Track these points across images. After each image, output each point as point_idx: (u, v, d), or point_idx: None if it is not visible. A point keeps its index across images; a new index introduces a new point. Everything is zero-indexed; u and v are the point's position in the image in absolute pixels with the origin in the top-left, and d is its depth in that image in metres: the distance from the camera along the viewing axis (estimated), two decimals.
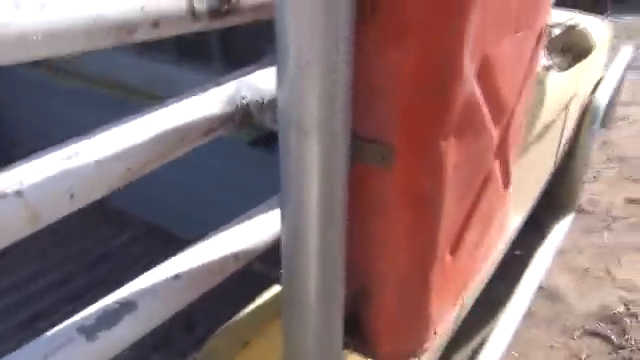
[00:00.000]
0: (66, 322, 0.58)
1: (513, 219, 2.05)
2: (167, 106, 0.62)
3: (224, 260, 0.72)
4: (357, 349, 0.71)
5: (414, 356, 0.72)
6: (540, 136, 1.87)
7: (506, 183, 0.85)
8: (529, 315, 2.36)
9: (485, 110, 0.65)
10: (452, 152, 0.60)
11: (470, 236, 0.75)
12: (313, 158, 0.55)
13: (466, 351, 2.14)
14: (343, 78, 0.52)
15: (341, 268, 0.62)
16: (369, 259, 0.65)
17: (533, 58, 0.76)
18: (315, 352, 0.65)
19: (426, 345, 0.72)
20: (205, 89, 0.66)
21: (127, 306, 0.62)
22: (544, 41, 0.78)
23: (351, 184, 0.60)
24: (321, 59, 0.51)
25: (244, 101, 0.68)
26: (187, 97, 0.64)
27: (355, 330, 0.70)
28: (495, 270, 2.13)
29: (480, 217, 0.77)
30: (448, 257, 0.70)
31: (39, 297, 1.47)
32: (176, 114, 0.62)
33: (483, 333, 2.09)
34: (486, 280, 2.01)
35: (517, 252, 2.44)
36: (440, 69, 0.55)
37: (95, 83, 1.65)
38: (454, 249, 0.71)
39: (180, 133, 0.61)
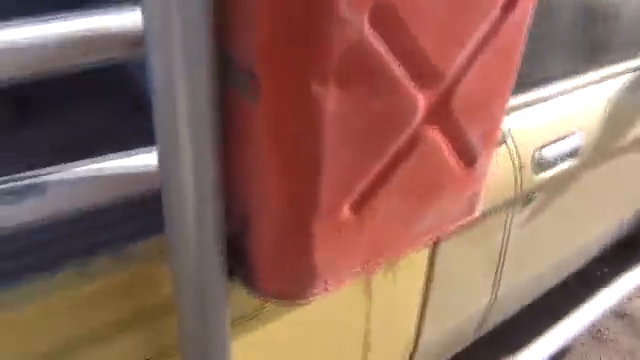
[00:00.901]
0: None
1: (595, 228, 1.85)
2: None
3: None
4: (244, 282, 0.74)
5: (298, 299, 0.72)
6: (637, 141, 1.64)
7: (466, 159, 0.79)
8: (606, 343, 2.13)
9: (394, 65, 0.61)
10: (333, 100, 0.59)
11: (387, 200, 0.72)
12: (180, 81, 0.57)
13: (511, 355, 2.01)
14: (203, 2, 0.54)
15: (217, 197, 0.64)
16: (247, 190, 0.67)
17: (498, 24, 0.68)
18: (198, 281, 0.69)
19: (313, 292, 0.72)
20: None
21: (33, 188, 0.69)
22: (531, 8, 0.69)
23: (227, 110, 0.61)
24: None
25: None
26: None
27: (240, 261, 0.72)
28: (568, 280, 1.95)
29: (407, 185, 0.73)
30: (347, 212, 0.69)
31: None
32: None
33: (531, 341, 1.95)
34: (546, 286, 1.86)
35: (605, 269, 2.20)
36: (304, 6, 0.53)
37: None
38: (358, 207, 0.69)
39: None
